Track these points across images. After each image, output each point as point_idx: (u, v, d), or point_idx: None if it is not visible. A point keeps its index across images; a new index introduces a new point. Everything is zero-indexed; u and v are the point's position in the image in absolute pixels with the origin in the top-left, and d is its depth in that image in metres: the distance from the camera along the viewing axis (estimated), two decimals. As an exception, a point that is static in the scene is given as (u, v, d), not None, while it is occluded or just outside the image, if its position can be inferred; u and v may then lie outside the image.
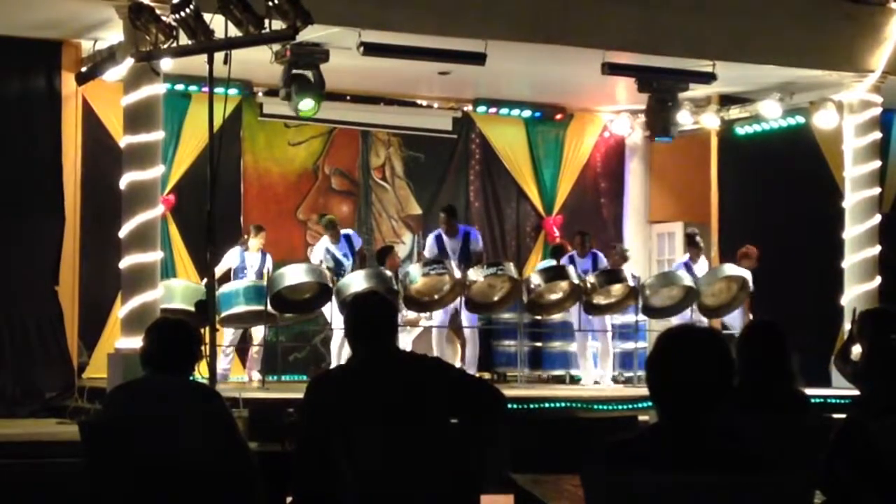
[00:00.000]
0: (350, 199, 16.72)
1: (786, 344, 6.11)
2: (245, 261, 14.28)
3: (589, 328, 14.89)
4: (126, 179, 12.31)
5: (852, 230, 15.29)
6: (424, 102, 16.81)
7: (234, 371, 14.61)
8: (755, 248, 15.26)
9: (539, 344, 15.61)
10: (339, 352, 13.86)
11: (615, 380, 15.23)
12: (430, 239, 14.80)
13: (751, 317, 14.71)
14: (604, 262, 15.27)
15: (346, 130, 16.58)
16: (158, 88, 12.37)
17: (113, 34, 12.51)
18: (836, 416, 6.25)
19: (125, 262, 12.25)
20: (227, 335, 14.32)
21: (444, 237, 14.68)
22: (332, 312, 13.67)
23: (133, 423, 5.79)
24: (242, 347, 14.67)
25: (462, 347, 15.11)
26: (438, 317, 14.58)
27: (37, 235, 13.13)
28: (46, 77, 13.37)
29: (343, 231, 14.64)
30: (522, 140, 17.40)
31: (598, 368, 15.07)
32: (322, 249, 14.45)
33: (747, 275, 14.86)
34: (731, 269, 15.03)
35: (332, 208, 16.47)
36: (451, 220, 14.73)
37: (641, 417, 8.69)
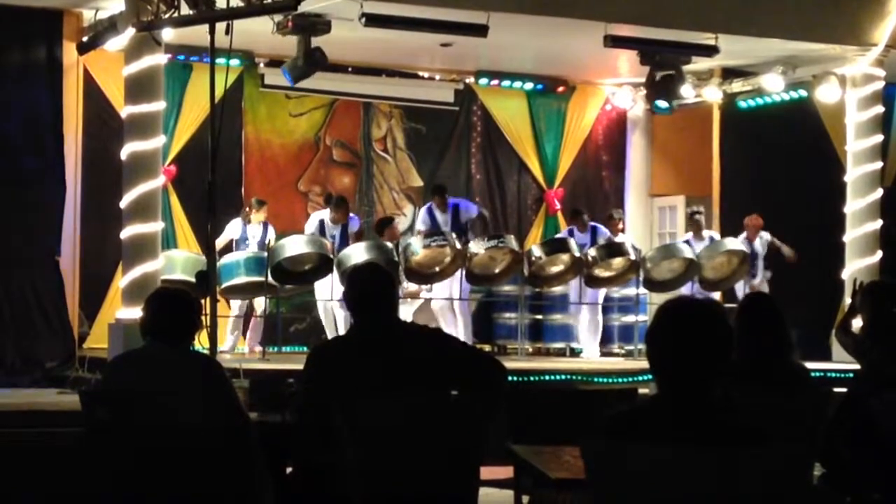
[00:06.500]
0: (351, 171, 16.70)
1: (783, 317, 6.11)
2: (246, 232, 14.27)
3: (586, 301, 14.93)
4: (127, 150, 12.30)
5: (854, 204, 15.28)
6: (426, 74, 16.76)
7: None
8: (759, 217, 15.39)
9: (539, 316, 15.64)
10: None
11: (612, 353, 15.33)
12: (423, 212, 14.86)
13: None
14: (606, 233, 15.24)
15: (347, 102, 16.54)
16: (160, 58, 12.35)
17: (114, 3, 12.46)
18: (836, 389, 6.26)
19: (126, 233, 12.26)
20: (234, 310, 14.37)
21: (436, 212, 14.76)
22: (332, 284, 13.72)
23: (133, 393, 5.80)
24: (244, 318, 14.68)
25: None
26: (441, 289, 14.62)
27: (38, 205, 13.13)
28: (47, 46, 13.33)
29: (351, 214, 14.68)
30: (524, 112, 17.37)
31: (585, 341, 15.10)
32: (317, 221, 14.44)
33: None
34: (731, 242, 15.05)
35: (333, 180, 16.46)
36: (441, 199, 14.83)
37: (642, 390, 8.70)
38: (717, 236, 15.54)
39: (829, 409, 5.82)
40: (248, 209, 14.48)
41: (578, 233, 15.20)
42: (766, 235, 15.40)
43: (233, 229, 14.21)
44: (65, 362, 12.89)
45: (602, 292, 15.16)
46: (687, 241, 15.27)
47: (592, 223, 15.40)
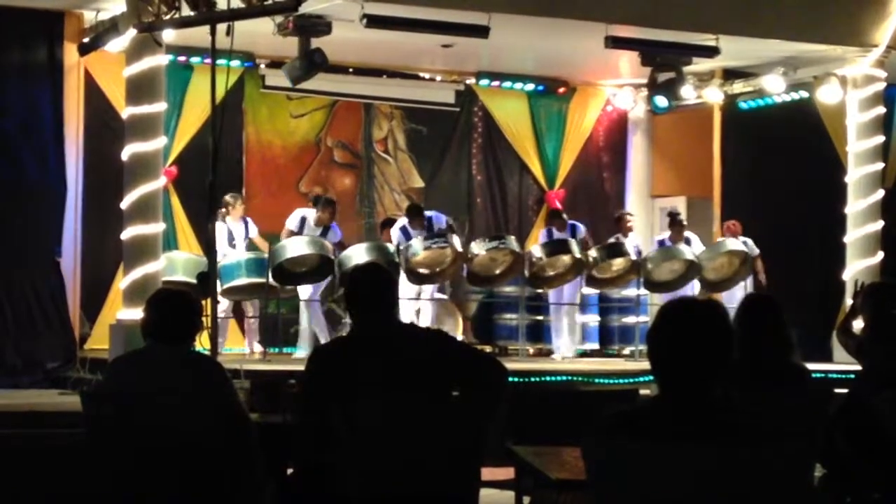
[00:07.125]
0: (352, 172, 16.70)
1: (784, 317, 6.10)
2: (232, 232, 14.14)
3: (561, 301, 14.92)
4: (128, 151, 12.31)
5: (855, 205, 15.29)
6: (427, 75, 16.76)
7: (235, 342, 14.61)
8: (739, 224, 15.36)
9: (540, 318, 15.62)
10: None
11: (610, 354, 15.35)
12: (398, 231, 14.47)
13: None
14: (582, 232, 15.17)
15: (348, 103, 16.55)
16: (161, 60, 12.35)
17: (115, 4, 12.47)
18: (837, 390, 6.25)
19: (127, 234, 12.27)
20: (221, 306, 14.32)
21: (409, 229, 14.42)
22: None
23: (134, 393, 5.80)
24: (242, 319, 14.68)
25: (463, 320, 15.13)
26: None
27: (39, 206, 13.13)
28: (48, 48, 13.33)
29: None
30: (525, 113, 17.37)
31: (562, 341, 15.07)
32: (298, 217, 14.28)
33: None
34: (732, 243, 15.04)
35: (334, 181, 16.46)
36: (419, 220, 14.49)
37: (642, 391, 8.71)
38: (694, 237, 15.42)
39: (830, 409, 5.82)
40: (224, 210, 14.24)
41: (557, 232, 15.09)
42: (749, 242, 15.28)
43: (221, 233, 13.98)
44: (66, 363, 12.90)
45: (578, 293, 15.09)
46: (661, 241, 15.25)
47: (571, 221, 15.31)
